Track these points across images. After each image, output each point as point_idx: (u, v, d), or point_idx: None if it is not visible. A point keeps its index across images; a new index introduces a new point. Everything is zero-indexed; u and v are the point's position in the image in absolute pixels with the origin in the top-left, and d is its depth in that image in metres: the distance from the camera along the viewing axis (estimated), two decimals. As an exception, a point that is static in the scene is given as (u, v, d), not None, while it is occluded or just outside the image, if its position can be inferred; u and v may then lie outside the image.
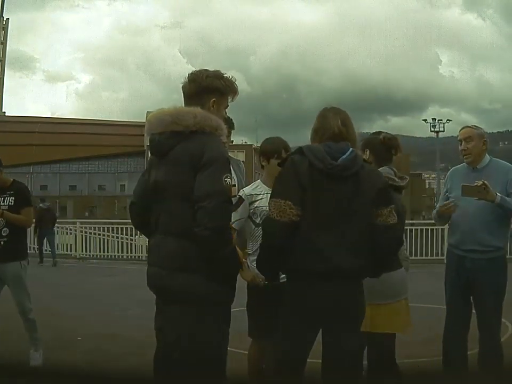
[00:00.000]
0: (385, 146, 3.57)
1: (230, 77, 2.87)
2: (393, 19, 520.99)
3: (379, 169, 3.40)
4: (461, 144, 3.93)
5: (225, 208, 2.60)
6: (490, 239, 3.84)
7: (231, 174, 2.68)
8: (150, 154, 2.94)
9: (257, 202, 3.62)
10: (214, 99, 2.81)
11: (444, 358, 4.02)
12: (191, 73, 2.87)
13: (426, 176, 78.01)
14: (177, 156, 2.68)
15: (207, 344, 2.68)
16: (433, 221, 4.50)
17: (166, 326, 2.71)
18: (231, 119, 3.70)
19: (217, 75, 2.85)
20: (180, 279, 2.64)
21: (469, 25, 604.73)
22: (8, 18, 58.55)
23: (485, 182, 3.68)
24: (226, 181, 2.60)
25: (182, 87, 2.89)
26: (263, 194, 3.60)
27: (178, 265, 2.64)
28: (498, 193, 3.72)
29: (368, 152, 3.55)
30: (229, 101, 2.91)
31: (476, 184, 3.71)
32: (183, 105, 2.85)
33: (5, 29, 57.76)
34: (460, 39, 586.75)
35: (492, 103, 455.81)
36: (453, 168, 4.30)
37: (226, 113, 2.97)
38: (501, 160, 4.05)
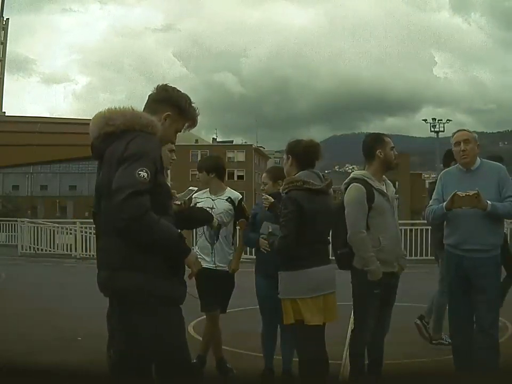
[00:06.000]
0: (307, 153, 3.74)
1: (197, 108, 2.87)
2: (383, 22, 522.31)
3: (298, 173, 3.68)
4: (459, 145, 4.02)
5: (134, 198, 2.48)
6: (489, 238, 3.92)
7: (151, 169, 2.55)
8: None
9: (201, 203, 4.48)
10: (168, 113, 2.79)
11: (454, 356, 4.07)
12: (163, 84, 2.88)
13: (426, 176, 77.84)
14: (108, 157, 2.64)
15: (175, 344, 2.69)
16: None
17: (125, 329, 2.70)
18: None
19: (186, 97, 2.85)
20: (124, 278, 2.61)
21: (459, 28, 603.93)
22: (8, 19, 57.97)
23: (478, 191, 3.76)
24: (139, 174, 2.51)
25: (149, 95, 2.87)
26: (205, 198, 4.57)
27: (119, 265, 2.61)
28: (489, 201, 3.81)
29: (290, 159, 3.76)
30: (184, 127, 2.88)
31: (467, 193, 3.79)
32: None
33: (5, 29, 57.56)
34: (452, 41, 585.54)
35: (487, 103, 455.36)
36: (444, 170, 4.38)
37: (175, 138, 2.92)
38: (491, 161, 4.17)
